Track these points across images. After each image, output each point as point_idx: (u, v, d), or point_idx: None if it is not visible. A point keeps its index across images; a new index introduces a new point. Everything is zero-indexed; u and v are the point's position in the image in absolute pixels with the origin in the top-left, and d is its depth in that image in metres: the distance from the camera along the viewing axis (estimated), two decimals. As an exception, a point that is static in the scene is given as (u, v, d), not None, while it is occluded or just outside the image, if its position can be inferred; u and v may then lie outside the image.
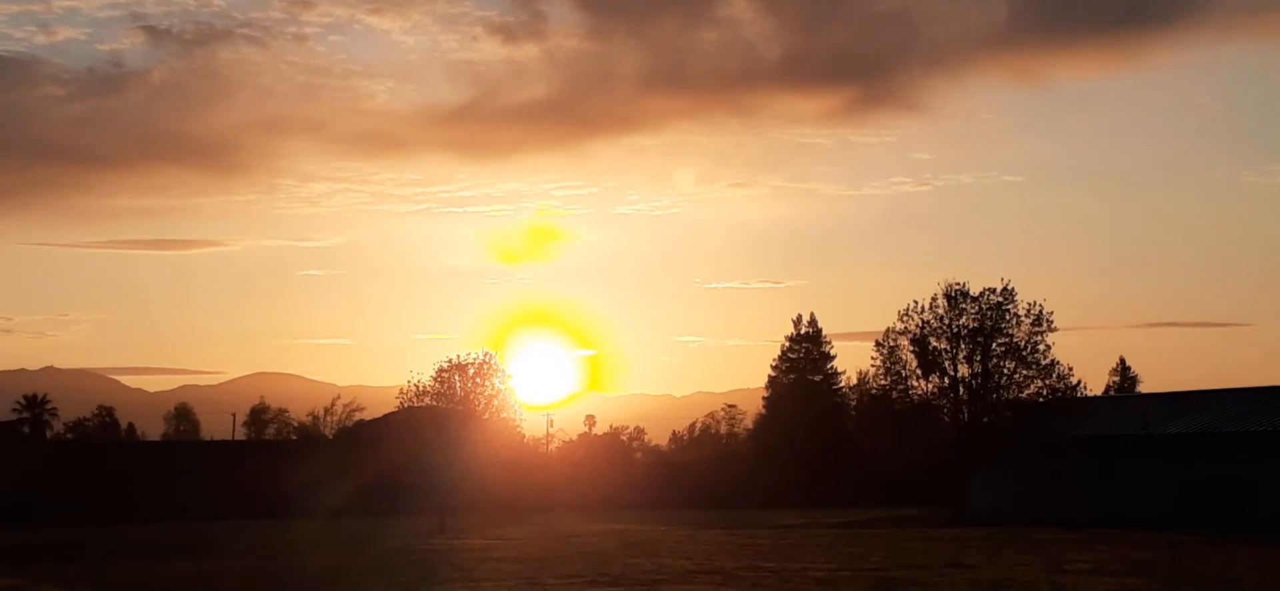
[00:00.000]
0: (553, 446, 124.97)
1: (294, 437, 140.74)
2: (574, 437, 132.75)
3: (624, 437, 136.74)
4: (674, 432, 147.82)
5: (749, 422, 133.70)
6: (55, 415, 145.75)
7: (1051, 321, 74.98)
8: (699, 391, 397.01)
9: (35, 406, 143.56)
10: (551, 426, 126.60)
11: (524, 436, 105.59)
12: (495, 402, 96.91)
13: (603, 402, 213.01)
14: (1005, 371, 75.14)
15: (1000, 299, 75.10)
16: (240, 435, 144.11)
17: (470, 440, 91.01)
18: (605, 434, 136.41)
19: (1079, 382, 76.31)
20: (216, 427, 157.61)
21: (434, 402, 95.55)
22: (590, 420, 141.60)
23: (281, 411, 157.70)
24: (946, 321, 75.57)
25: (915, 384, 76.39)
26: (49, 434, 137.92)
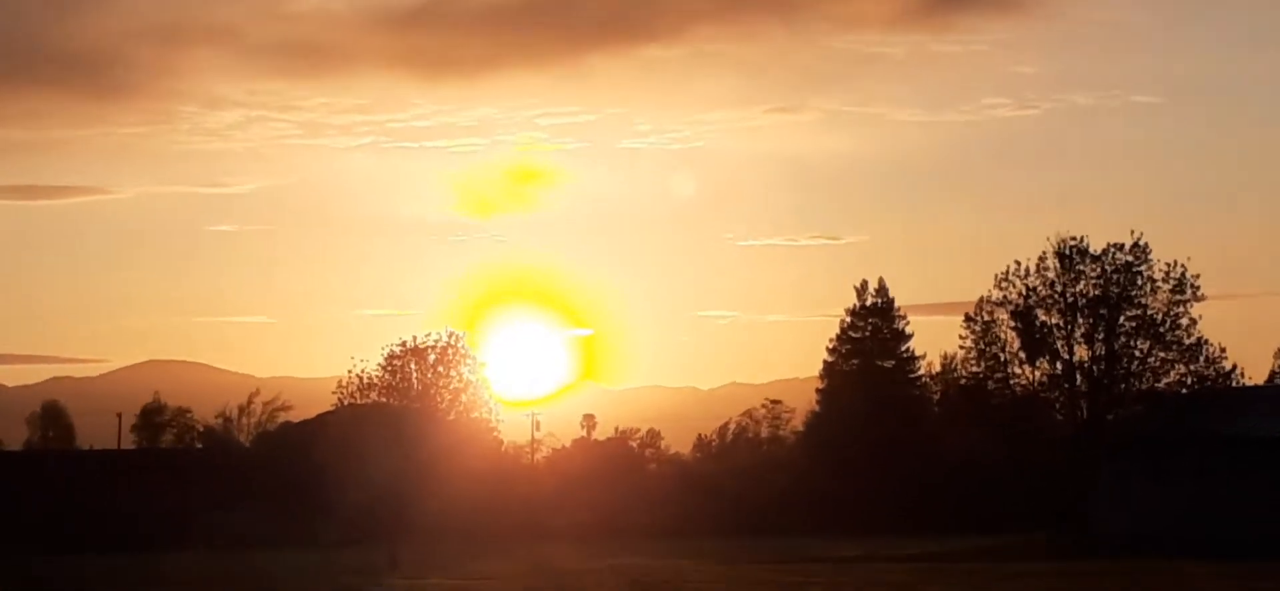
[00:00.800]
0: (540, 455, 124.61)
1: (199, 445, 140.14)
2: (568, 443, 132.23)
3: (633, 443, 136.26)
4: (699, 436, 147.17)
5: (798, 423, 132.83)
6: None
7: (1197, 288, 75.25)
8: (732, 382, 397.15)
9: None
10: (538, 429, 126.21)
11: (502, 442, 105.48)
12: (464, 398, 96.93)
13: (604, 397, 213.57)
14: (1137, 353, 75.39)
15: (1129, 258, 75.31)
16: (129, 442, 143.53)
17: (431, 447, 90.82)
18: (609, 439, 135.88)
19: (1234, 367, 76.51)
20: (97, 431, 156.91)
21: (383, 398, 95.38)
22: (589, 420, 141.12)
23: (183, 411, 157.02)
24: (1059, 288, 75.77)
25: (1018, 370, 76.66)
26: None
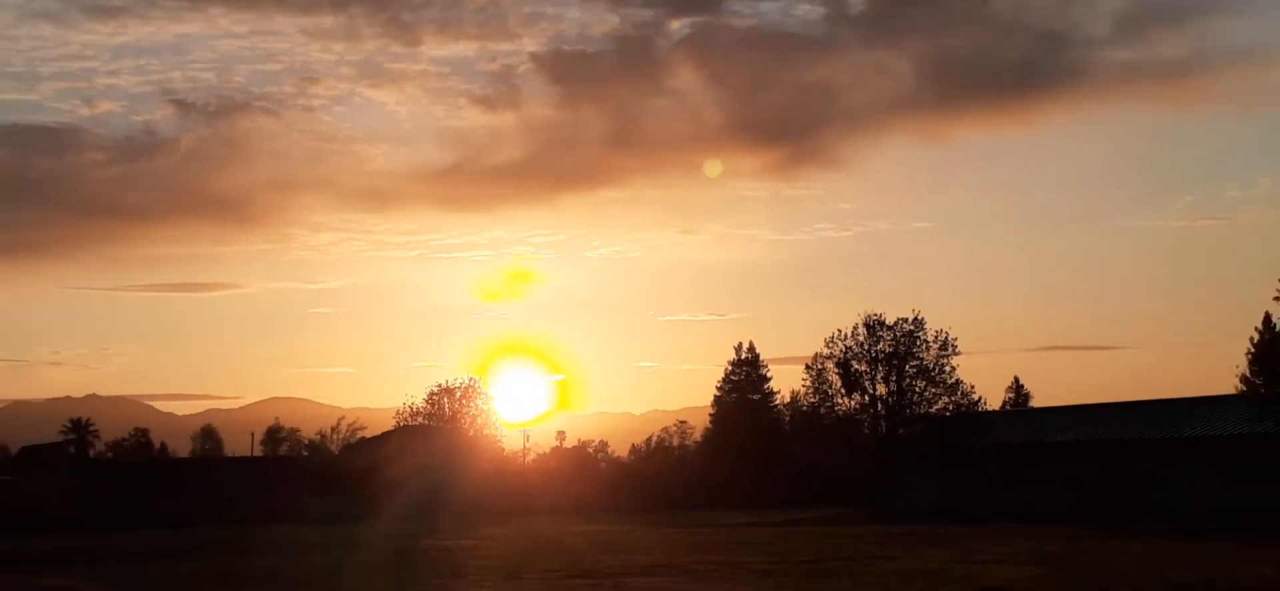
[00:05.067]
0: (529, 459, 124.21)
1: (304, 453, 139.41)
2: (547, 450, 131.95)
3: (590, 450, 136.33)
4: (633, 445, 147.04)
5: (698, 436, 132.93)
6: (97, 436, 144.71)
7: (956, 346, 75.22)
8: (655, 409, 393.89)
9: (80, 429, 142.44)
10: (527, 441, 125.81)
11: (503, 450, 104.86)
12: (479, 421, 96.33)
13: (572, 420, 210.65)
14: (917, 390, 75.14)
15: (912, 327, 75.06)
16: (257, 452, 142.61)
17: (457, 454, 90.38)
18: (574, 447, 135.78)
19: (980, 399, 76.60)
20: (237, 446, 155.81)
21: (426, 421, 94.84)
22: (561, 435, 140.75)
23: (293, 431, 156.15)
24: (866, 347, 75.45)
25: (840, 401, 76.40)
26: (92, 452, 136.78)
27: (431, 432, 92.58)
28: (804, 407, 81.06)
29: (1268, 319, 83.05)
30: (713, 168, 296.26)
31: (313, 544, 52.08)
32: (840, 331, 76.23)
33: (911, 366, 74.71)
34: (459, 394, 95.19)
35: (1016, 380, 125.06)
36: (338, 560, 41.05)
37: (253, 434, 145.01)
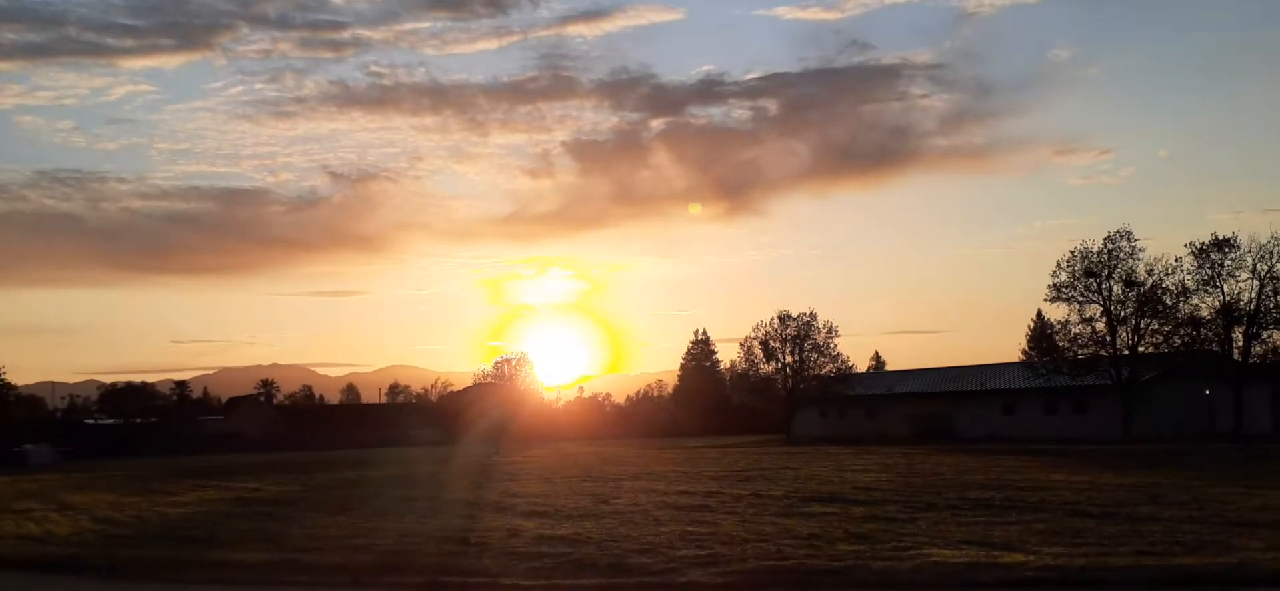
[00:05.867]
0: (560, 404, 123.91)
1: (414, 402, 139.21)
2: (572, 400, 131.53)
3: (599, 399, 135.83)
4: (628, 395, 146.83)
5: (670, 389, 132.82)
6: (278, 390, 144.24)
7: (836, 330, 75.28)
8: (642, 372, 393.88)
9: (267, 386, 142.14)
10: (558, 396, 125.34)
11: (543, 398, 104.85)
12: (526, 380, 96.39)
13: (592, 381, 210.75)
14: (811, 359, 75.01)
15: (808, 318, 74.72)
16: (383, 401, 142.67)
17: (513, 401, 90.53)
18: (589, 396, 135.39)
19: (852, 364, 76.69)
20: (370, 396, 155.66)
21: (494, 380, 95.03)
22: (581, 389, 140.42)
23: (406, 386, 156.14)
24: (779, 331, 75.10)
25: (762, 367, 76.05)
26: (276, 401, 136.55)
27: (497, 387, 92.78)
28: (739, 371, 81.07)
29: (1039, 313, 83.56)
30: (694, 207, 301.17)
31: (420, 458, 52.15)
32: (762, 321, 76.48)
33: (808, 344, 74.58)
34: (514, 362, 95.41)
35: (877, 352, 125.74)
36: (438, 468, 41.18)
37: (380, 389, 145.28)
